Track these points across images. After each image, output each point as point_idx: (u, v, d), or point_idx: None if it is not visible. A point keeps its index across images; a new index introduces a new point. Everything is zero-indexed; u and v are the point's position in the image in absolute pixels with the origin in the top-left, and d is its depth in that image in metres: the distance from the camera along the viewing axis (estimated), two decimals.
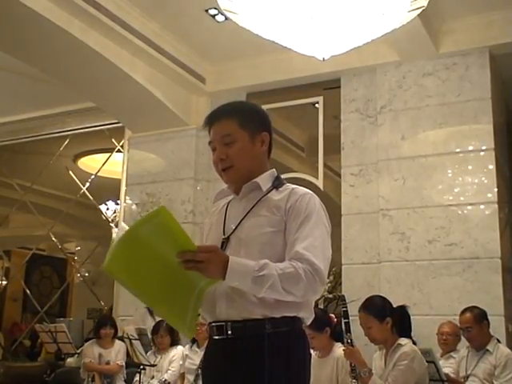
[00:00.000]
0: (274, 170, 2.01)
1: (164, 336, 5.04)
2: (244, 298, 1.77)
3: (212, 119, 1.99)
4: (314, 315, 1.89)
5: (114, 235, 1.72)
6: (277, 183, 1.96)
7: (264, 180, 1.95)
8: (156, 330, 5.08)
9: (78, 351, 5.91)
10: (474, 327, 3.97)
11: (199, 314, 1.87)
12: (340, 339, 3.67)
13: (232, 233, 1.89)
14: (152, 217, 1.56)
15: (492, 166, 5.12)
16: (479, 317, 4.00)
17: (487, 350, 3.91)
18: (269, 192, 1.93)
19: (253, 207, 1.91)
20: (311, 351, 3.84)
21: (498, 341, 4.03)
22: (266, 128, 2.00)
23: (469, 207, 5.11)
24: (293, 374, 1.79)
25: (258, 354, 1.75)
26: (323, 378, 3.65)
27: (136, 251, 1.58)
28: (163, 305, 1.70)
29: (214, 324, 1.86)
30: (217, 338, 1.84)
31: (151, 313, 5.60)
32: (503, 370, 3.78)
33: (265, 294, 1.71)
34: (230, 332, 1.79)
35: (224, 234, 1.90)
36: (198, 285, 1.71)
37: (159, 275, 1.65)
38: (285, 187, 1.95)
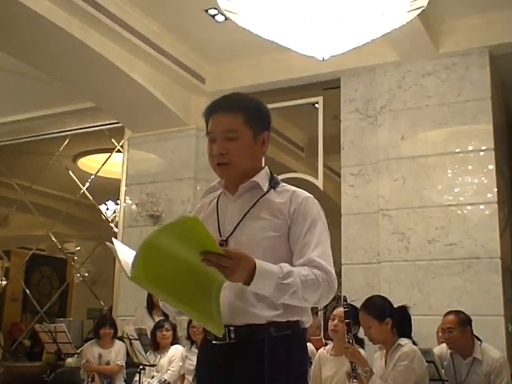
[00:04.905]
0: (267, 168, 1.96)
1: (169, 329, 5.02)
2: (248, 303, 1.75)
3: (216, 109, 1.90)
4: (312, 319, 1.90)
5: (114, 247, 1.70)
6: (273, 183, 1.92)
7: (262, 179, 1.90)
8: (160, 325, 5.06)
9: (78, 351, 5.91)
10: (456, 329, 3.85)
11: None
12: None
13: (230, 235, 1.84)
14: (177, 224, 1.52)
15: (492, 166, 5.12)
16: (463, 321, 3.89)
17: (475, 359, 3.79)
18: (266, 192, 1.88)
19: (251, 208, 1.85)
20: (322, 349, 3.89)
21: (478, 339, 3.91)
22: (268, 127, 1.95)
23: (468, 207, 5.11)
24: (297, 375, 1.79)
25: (261, 357, 1.73)
26: (338, 377, 3.63)
27: (157, 257, 1.55)
28: (192, 305, 1.66)
29: None
30: (216, 342, 1.78)
31: (150, 313, 5.61)
32: (498, 376, 3.70)
33: (283, 300, 1.70)
34: (233, 336, 1.75)
35: (220, 236, 1.84)
36: (216, 279, 1.65)
37: (181, 277, 1.63)
38: (283, 188, 1.91)
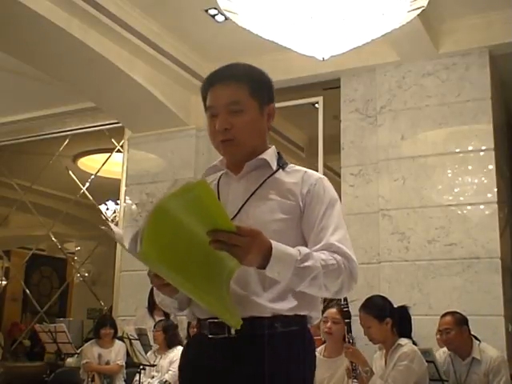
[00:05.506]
0: (274, 147, 1.79)
1: (158, 330, 5.02)
2: (251, 292, 1.57)
3: (216, 81, 1.71)
4: (320, 316, 1.75)
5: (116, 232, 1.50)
6: (282, 162, 1.74)
7: (271, 157, 1.72)
8: (155, 326, 5.09)
9: (78, 351, 5.91)
10: (453, 329, 3.89)
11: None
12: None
13: (234, 217, 1.62)
14: (184, 191, 1.30)
15: (492, 166, 5.12)
16: (460, 321, 3.93)
17: (474, 359, 3.81)
18: (275, 172, 1.71)
19: (258, 188, 1.67)
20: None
21: (477, 339, 3.94)
22: (273, 99, 1.77)
23: (468, 207, 5.11)
24: (306, 374, 1.64)
25: (263, 354, 1.55)
26: (336, 379, 3.62)
27: (166, 230, 1.34)
28: (205, 290, 1.43)
29: (210, 320, 1.60)
30: (213, 337, 1.59)
31: (151, 313, 5.61)
32: (496, 375, 3.71)
33: (302, 288, 1.51)
34: (233, 331, 1.55)
35: None
36: (227, 265, 1.45)
37: (192, 258, 1.41)
38: (292, 168, 1.74)
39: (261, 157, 1.70)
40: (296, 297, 1.58)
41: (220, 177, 1.80)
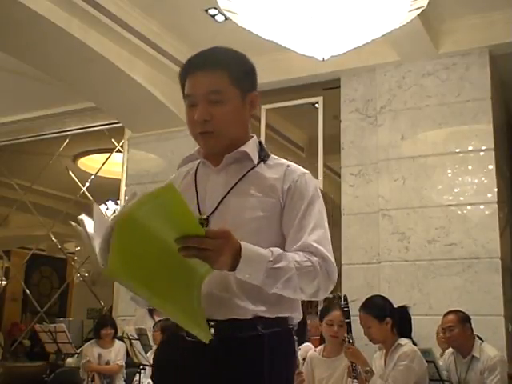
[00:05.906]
0: (255, 136, 1.70)
1: (156, 330, 5.02)
2: (233, 294, 1.51)
3: (195, 68, 1.62)
4: (301, 315, 1.69)
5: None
6: (263, 154, 1.66)
7: (252, 150, 1.63)
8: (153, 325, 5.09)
9: (78, 351, 5.91)
10: (456, 326, 3.90)
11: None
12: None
13: (212, 212, 1.56)
14: (152, 198, 1.23)
15: (492, 166, 5.12)
16: (463, 319, 3.95)
17: (474, 357, 3.82)
18: (256, 165, 1.63)
19: (238, 182, 1.60)
20: (312, 350, 3.85)
21: (479, 338, 3.95)
22: (255, 86, 1.67)
23: (468, 207, 5.11)
24: (289, 375, 1.61)
25: (244, 357, 1.50)
26: (334, 379, 3.61)
27: (134, 241, 1.27)
28: (175, 304, 1.38)
29: None
30: (191, 339, 1.49)
31: (151, 313, 5.60)
32: (491, 373, 3.71)
33: (276, 290, 1.46)
34: (212, 332, 1.47)
35: (200, 213, 1.55)
36: (197, 272, 1.40)
37: (161, 269, 1.35)
38: (274, 161, 1.66)
39: (241, 149, 1.62)
40: (277, 299, 1.53)
41: (198, 166, 1.71)
